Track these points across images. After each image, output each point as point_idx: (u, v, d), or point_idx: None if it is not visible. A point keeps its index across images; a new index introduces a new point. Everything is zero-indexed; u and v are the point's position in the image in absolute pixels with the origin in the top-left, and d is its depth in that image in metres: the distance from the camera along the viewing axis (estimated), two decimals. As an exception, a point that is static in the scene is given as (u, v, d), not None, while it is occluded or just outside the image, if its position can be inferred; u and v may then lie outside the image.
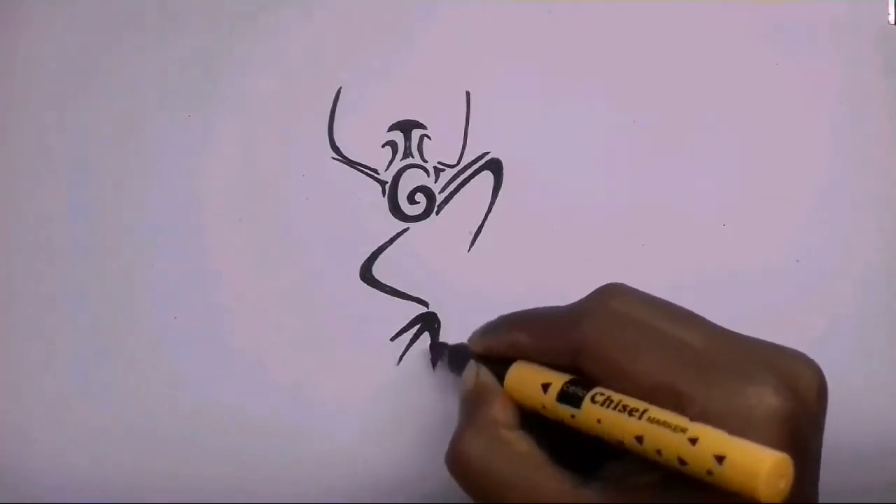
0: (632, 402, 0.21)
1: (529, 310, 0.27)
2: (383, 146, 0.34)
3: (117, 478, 0.32)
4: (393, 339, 0.33)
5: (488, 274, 0.33)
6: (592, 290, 0.28)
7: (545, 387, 0.24)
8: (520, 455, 0.23)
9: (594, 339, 0.23)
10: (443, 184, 0.34)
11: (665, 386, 0.21)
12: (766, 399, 0.20)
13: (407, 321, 0.33)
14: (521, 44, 0.35)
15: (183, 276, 0.33)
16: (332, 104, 0.34)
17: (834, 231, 0.33)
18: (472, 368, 0.27)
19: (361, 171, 0.34)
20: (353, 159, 0.34)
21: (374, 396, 0.32)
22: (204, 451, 0.32)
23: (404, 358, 0.32)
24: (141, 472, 0.32)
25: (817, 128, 0.34)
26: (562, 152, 0.34)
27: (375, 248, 0.33)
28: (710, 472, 0.19)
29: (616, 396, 0.22)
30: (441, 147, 0.34)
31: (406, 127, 0.34)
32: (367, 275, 0.33)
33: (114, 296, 0.33)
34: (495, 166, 0.34)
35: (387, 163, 0.34)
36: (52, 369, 0.33)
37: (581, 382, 0.23)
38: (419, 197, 0.34)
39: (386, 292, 0.33)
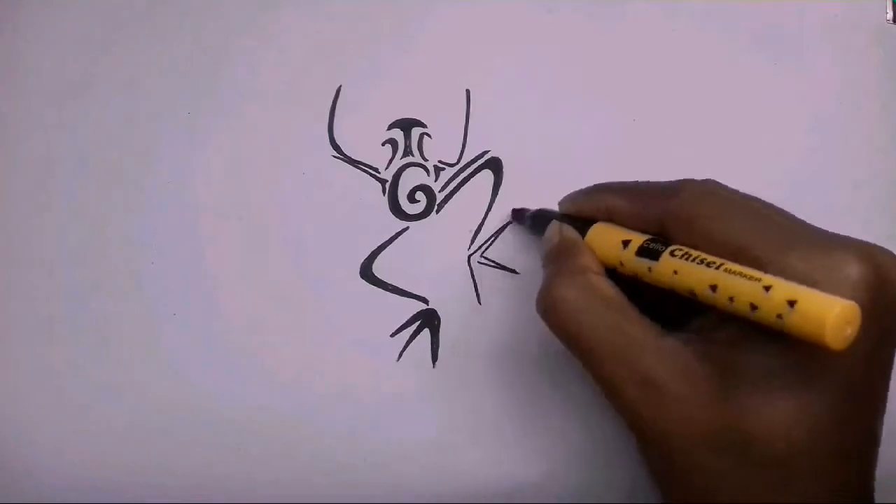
0: (709, 257, 0.22)
1: (623, 181, 0.28)
2: (383, 144, 0.34)
3: (117, 477, 0.32)
4: (393, 335, 0.33)
5: (488, 273, 0.33)
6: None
7: (625, 244, 0.25)
8: (610, 300, 0.24)
9: (686, 207, 0.24)
10: (443, 182, 0.34)
11: (747, 249, 0.22)
12: (847, 264, 0.21)
13: (407, 318, 0.33)
14: (522, 43, 0.35)
15: (183, 274, 0.33)
16: (332, 102, 0.34)
17: (833, 231, 0.33)
18: (556, 226, 0.28)
19: (361, 170, 0.34)
20: (354, 158, 0.34)
21: (374, 392, 0.32)
22: (204, 449, 0.32)
23: (404, 354, 0.33)
24: (141, 470, 0.32)
25: (816, 126, 0.34)
26: (562, 151, 0.34)
27: (376, 246, 0.33)
28: (780, 317, 0.20)
29: (694, 252, 0.23)
30: (441, 146, 0.34)
31: (406, 125, 0.34)
32: (367, 273, 0.33)
33: (114, 293, 0.33)
34: (495, 165, 0.34)
35: (387, 161, 0.34)
36: (51, 368, 0.33)
37: (661, 241, 0.24)
38: (419, 195, 0.34)
39: (386, 290, 0.33)
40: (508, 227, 0.33)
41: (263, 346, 0.33)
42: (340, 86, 0.34)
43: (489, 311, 0.33)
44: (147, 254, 0.33)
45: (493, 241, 0.33)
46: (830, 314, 0.19)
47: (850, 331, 0.19)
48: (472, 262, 0.33)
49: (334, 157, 0.34)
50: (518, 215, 0.33)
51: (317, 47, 0.34)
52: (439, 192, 0.34)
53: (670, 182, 0.25)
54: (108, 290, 0.33)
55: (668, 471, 0.24)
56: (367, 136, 0.34)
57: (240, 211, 0.33)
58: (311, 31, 0.35)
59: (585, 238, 0.27)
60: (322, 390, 0.32)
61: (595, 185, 0.28)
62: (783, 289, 0.20)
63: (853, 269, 0.21)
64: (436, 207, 0.34)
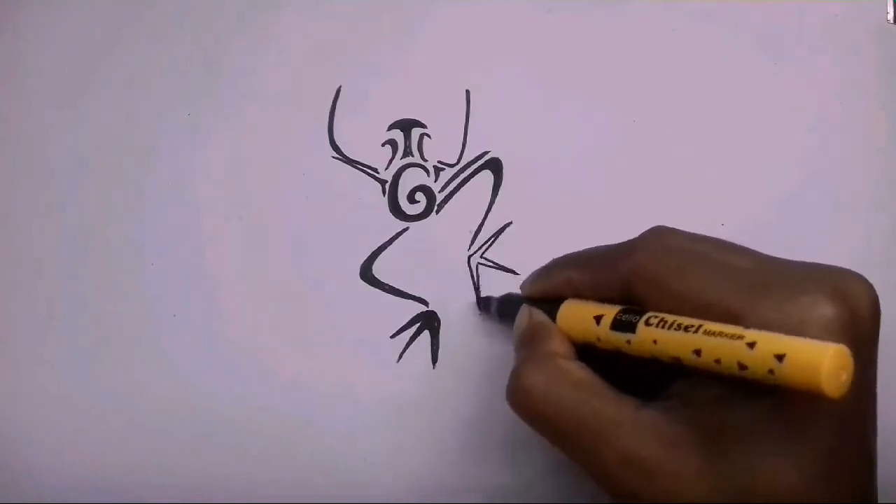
0: (685, 321, 0.21)
1: (580, 250, 0.27)
2: (383, 145, 0.34)
3: (117, 477, 0.32)
4: (393, 336, 0.33)
5: (488, 274, 0.33)
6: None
7: (598, 319, 0.24)
8: (580, 382, 0.24)
9: (646, 266, 0.23)
10: (443, 183, 0.34)
11: (717, 304, 0.21)
12: (819, 307, 0.21)
13: (407, 320, 0.33)
14: (521, 43, 0.35)
15: (182, 275, 0.33)
16: (332, 103, 0.34)
17: (832, 231, 0.33)
18: (525, 311, 0.28)
19: (361, 170, 0.34)
20: (353, 158, 0.34)
21: (374, 393, 0.32)
22: (204, 449, 0.32)
23: (404, 355, 0.33)
24: (141, 470, 0.32)
25: (816, 126, 0.34)
26: (561, 151, 0.34)
27: (376, 247, 0.33)
28: (771, 372, 0.19)
29: (669, 317, 0.22)
30: (441, 146, 0.34)
31: (406, 126, 0.34)
32: (367, 274, 0.33)
33: (113, 294, 0.33)
34: (495, 165, 0.34)
35: (387, 162, 0.34)
36: (51, 368, 0.33)
37: (633, 310, 0.23)
38: (419, 196, 0.34)
39: (386, 291, 0.33)
40: (508, 227, 0.33)
41: (263, 346, 0.33)
42: (340, 86, 0.34)
43: (489, 313, 0.33)
44: (147, 254, 0.33)
45: (493, 242, 0.33)
46: (824, 362, 0.18)
47: (846, 376, 0.19)
48: (472, 262, 0.33)
49: (334, 157, 0.34)
50: (484, 304, 0.32)
51: (317, 47, 0.34)
52: (439, 192, 0.34)
53: (625, 244, 0.25)
54: (108, 291, 0.33)
55: None
56: (366, 136, 0.34)
57: (240, 211, 0.33)
58: (311, 31, 0.34)
59: (557, 317, 0.26)
60: (322, 391, 0.32)
61: (552, 261, 0.28)
62: (768, 343, 0.19)
63: (826, 311, 0.21)
64: (436, 208, 0.34)
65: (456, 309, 0.33)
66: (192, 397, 0.32)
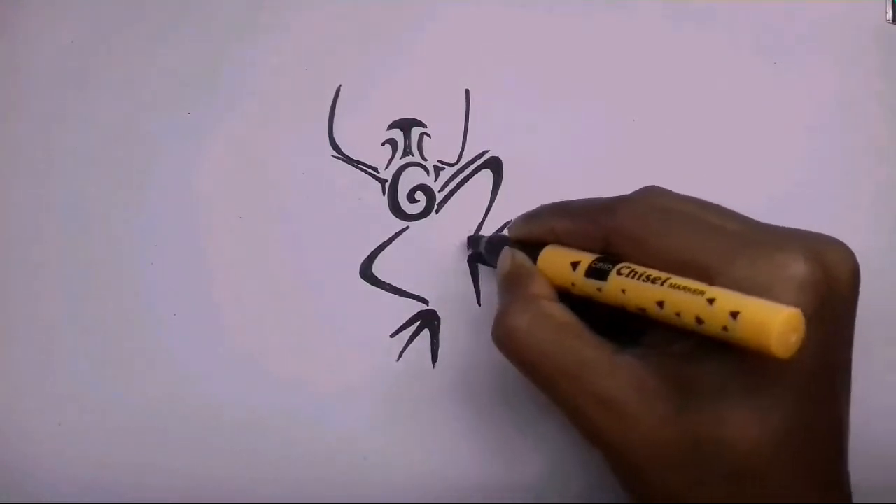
0: (654, 273, 0.22)
1: (568, 200, 0.28)
2: (383, 144, 0.34)
3: (117, 477, 0.32)
4: (393, 335, 0.33)
5: (488, 273, 0.33)
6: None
7: (574, 265, 0.25)
8: (562, 325, 0.24)
9: (627, 225, 0.24)
10: (443, 182, 0.34)
11: (693, 262, 0.22)
12: (792, 265, 0.21)
13: (407, 318, 0.33)
14: (521, 43, 0.35)
15: (182, 274, 0.33)
16: (331, 102, 0.34)
17: (832, 231, 0.33)
18: (508, 252, 0.28)
19: (361, 170, 0.34)
20: (353, 157, 0.34)
21: (374, 392, 0.32)
22: (204, 449, 0.32)
23: (404, 354, 0.33)
24: (141, 470, 0.32)
25: (815, 126, 0.34)
26: (561, 151, 0.34)
27: (375, 246, 0.33)
28: (725, 329, 0.20)
29: (640, 269, 0.23)
30: (441, 145, 0.34)
31: (406, 125, 0.34)
32: (367, 273, 0.33)
33: (113, 293, 0.33)
34: (495, 165, 0.34)
35: (387, 161, 0.34)
36: (51, 368, 0.33)
37: (609, 260, 0.24)
38: (419, 195, 0.34)
39: (386, 290, 0.33)
40: (508, 227, 0.33)
41: (263, 346, 0.33)
42: (340, 86, 0.34)
43: (489, 312, 0.33)
44: (147, 253, 0.33)
45: None
46: (774, 324, 0.19)
47: (795, 338, 0.19)
48: (471, 262, 0.33)
49: (334, 156, 0.34)
50: (474, 241, 0.33)
51: (317, 47, 0.34)
52: (439, 191, 0.34)
53: (612, 199, 0.25)
54: (108, 290, 0.33)
55: (637, 485, 0.23)
56: (366, 135, 0.34)
57: (240, 210, 0.33)
58: (311, 31, 0.35)
59: (537, 262, 0.27)
60: (322, 390, 0.32)
61: (540, 207, 0.29)
62: (726, 300, 0.20)
63: (799, 269, 0.21)
64: (435, 207, 0.34)
65: (456, 308, 0.33)
66: (192, 396, 0.32)
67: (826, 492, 0.23)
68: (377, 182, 0.34)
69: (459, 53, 0.34)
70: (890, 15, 0.35)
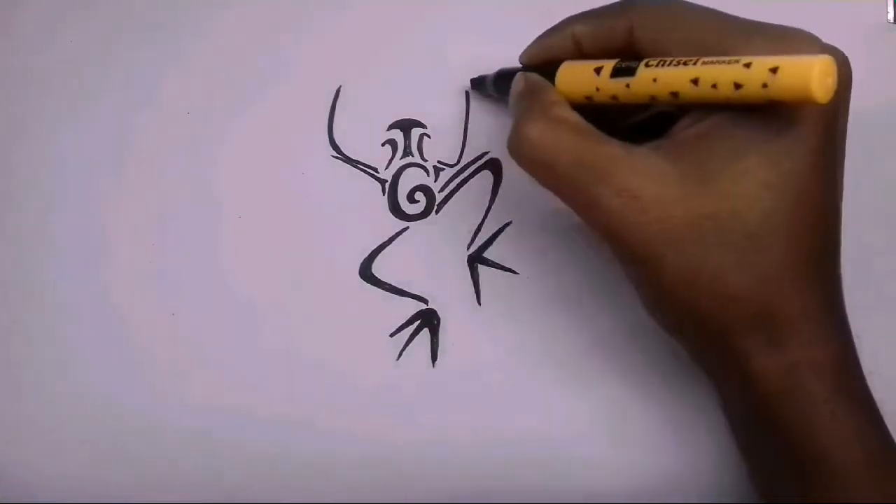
0: (684, 59, 0.23)
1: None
2: (383, 145, 0.34)
3: (117, 477, 0.32)
4: (393, 335, 0.33)
5: (488, 273, 0.33)
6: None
7: (598, 71, 0.25)
8: (577, 126, 0.25)
9: (649, 13, 0.25)
10: (442, 182, 0.34)
11: (715, 44, 0.23)
12: (807, 41, 0.23)
13: (407, 318, 0.33)
14: (522, 43, 0.34)
15: (182, 273, 0.33)
16: (332, 102, 0.34)
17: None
18: (520, 76, 0.28)
19: (361, 170, 0.34)
20: (353, 157, 0.34)
21: (373, 391, 0.32)
22: (203, 449, 0.32)
23: (404, 354, 0.33)
24: (141, 470, 0.32)
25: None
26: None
27: (375, 246, 0.33)
28: (765, 86, 0.21)
29: (669, 59, 0.23)
30: (441, 146, 0.34)
31: (406, 126, 0.34)
32: (367, 273, 0.33)
33: (112, 293, 0.33)
34: (495, 166, 0.34)
35: (387, 161, 0.34)
36: (50, 368, 0.33)
37: (632, 60, 0.25)
38: (419, 196, 0.34)
39: (386, 290, 0.33)
40: (508, 226, 0.33)
41: (263, 345, 0.33)
42: (340, 86, 0.34)
43: (489, 311, 0.33)
44: (146, 253, 0.33)
45: (492, 242, 0.33)
46: (813, 68, 0.20)
47: (831, 81, 0.21)
48: (471, 262, 0.33)
49: (334, 157, 0.34)
50: (478, 83, 0.33)
51: (317, 47, 0.34)
52: (439, 192, 0.34)
53: None
54: (107, 290, 0.33)
55: (650, 270, 0.25)
56: (366, 136, 0.34)
57: (239, 210, 0.33)
58: (312, 31, 0.35)
59: (556, 78, 0.27)
60: (322, 390, 0.32)
61: (555, 24, 0.29)
62: (764, 61, 0.21)
63: (814, 45, 0.23)
64: (435, 207, 0.34)
65: (456, 307, 0.33)
66: (191, 396, 0.32)
67: (822, 260, 0.25)
68: (377, 182, 0.34)
69: (459, 54, 0.34)
70: (890, 15, 0.35)
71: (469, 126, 0.34)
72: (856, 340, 0.26)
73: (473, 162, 0.34)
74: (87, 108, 0.34)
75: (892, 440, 0.26)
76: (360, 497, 0.32)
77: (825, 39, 0.34)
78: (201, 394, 0.32)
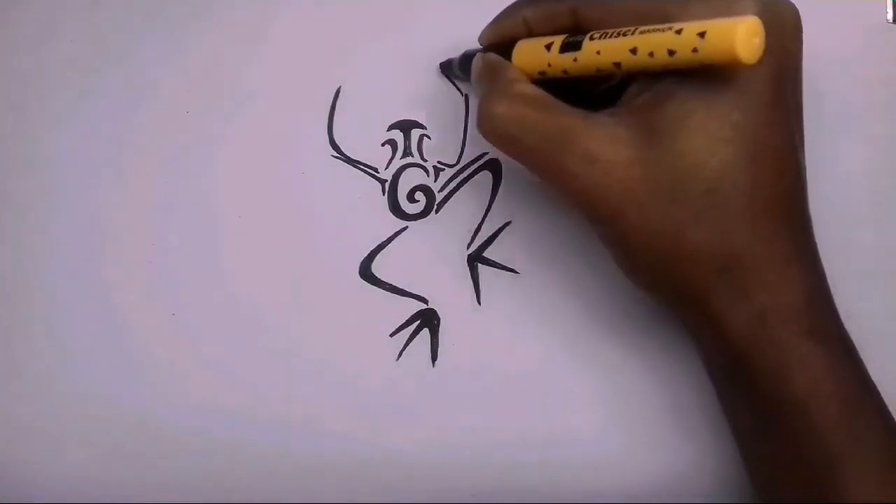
0: (624, 29, 0.24)
1: None
2: (383, 145, 0.34)
3: (117, 477, 0.32)
4: (393, 335, 0.33)
5: (488, 273, 0.33)
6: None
7: (548, 47, 0.27)
8: (538, 100, 0.26)
9: None
10: (442, 183, 0.34)
11: (654, 12, 0.24)
12: (746, 5, 0.23)
13: (406, 318, 0.33)
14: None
15: (181, 273, 0.33)
16: (331, 102, 0.34)
17: (831, 231, 0.33)
18: (479, 56, 0.30)
19: (361, 170, 0.34)
20: (353, 157, 0.34)
21: (373, 391, 0.32)
22: (203, 449, 0.32)
23: (404, 354, 0.33)
24: (141, 470, 0.32)
25: (815, 126, 0.34)
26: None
27: (375, 246, 0.33)
28: (695, 51, 0.22)
29: (610, 31, 0.25)
30: (440, 147, 0.34)
31: (405, 126, 0.34)
32: (366, 272, 0.33)
33: (112, 293, 0.33)
34: (494, 166, 0.34)
35: (386, 161, 0.34)
36: (50, 368, 0.33)
37: (579, 35, 0.26)
38: (419, 195, 0.34)
39: (386, 290, 0.33)
40: (508, 226, 0.33)
41: (262, 345, 0.33)
42: (340, 86, 0.34)
43: (489, 311, 0.33)
44: (146, 253, 0.33)
45: (492, 241, 0.33)
46: (737, 31, 0.21)
47: (758, 41, 0.22)
48: (471, 262, 0.33)
49: (334, 157, 0.34)
50: (446, 67, 0.34)
51: (317, 47, 0.34)
52: (439, 192, 0.34)
53: None
54: (106, 290, 0.33)
55: (617, 228, 0.26)
56: (366, 136, 0.34)
57: (239, 210, 0.33)
58: (311, 31, 0.35)
59: (513, 57, 0.28)
60: (322, 390, 0.32)
61: (505, 8, 0.30)
62: (692, 26, 0.22)
63: (750, 6, 0.23)
64: (435, 207, 0.34)
65: (455, 307, 0.33)
66: (191, 395, 0.32)
67: (788, 225, 0.25)
68: (377, 182, 0.34)
69: (460, 54, 0.34)
70: (890, 15, 0.35)
71: (469, 126, 0.34)
72: (845, 317, 0.26)
73: (473, 162, 0.34)
74: (87, 108, 0.34)
75: (867, 377, 0.26)
76: (360, 497, 0.32)
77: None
78: (201, 394, 0.32)
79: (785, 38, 0.25)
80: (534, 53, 0.27)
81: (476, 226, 0.33)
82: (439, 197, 0.34)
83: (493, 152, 0.34)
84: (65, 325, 0.33)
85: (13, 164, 0.34)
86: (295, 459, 0.32)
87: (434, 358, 0.33)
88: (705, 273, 0.25)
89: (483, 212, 0.33)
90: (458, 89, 0.34)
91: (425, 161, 0.34)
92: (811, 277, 0.26)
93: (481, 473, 0.32)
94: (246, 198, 0.34)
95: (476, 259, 0.33)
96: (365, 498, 0.32)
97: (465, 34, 0.34)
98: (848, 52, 0.35)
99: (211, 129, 0.34)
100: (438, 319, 0.33)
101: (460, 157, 0.34)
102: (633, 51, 0.24)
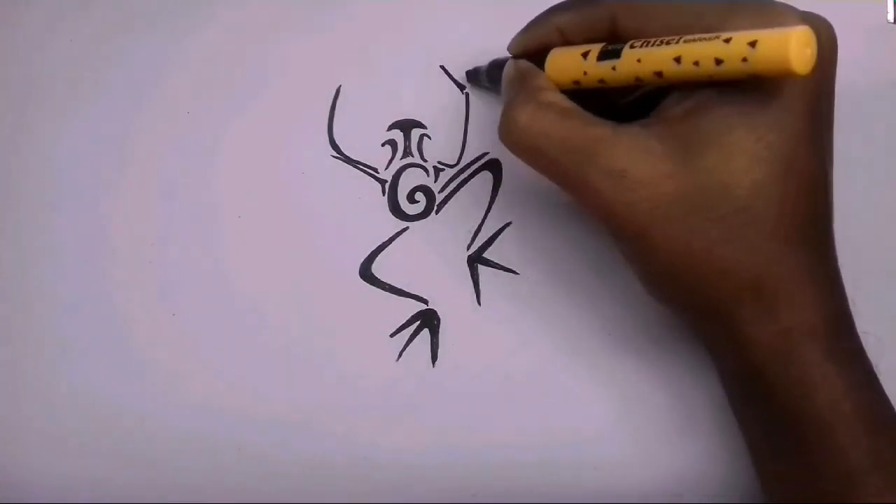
0: (666, 38, 0.23)
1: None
2: (383, 145, 0.34)
3: (117, 477, 0.32)
4: (393, 335, 0.33)
5: (488, 273, 0.33)
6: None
7: (585, 55, 0.26)
8: (564, 110, 0.26)
9: (628, 2, 0.25)
10: (442, 183, 0.34)
11: (696, 23, 0.24)
12: (787, 16, 0.23)
13: (407, 318, 0.33)
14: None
15: (182, 274, 0.33)
16: (331, 102, 0.34)
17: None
18: (511, 62, 0.29)
19: (361, 170, 0.34)
20: (353, 158, 0.34)
21: (373, 392, 0.32)
22: (203, 449, 0.32)
23: (404, 354, 0.33)
24: (141, 470, 0.32)
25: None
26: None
27: (375, 246, 0.33)
28: (745, 60, 0.21)
29: (652, 39, 0.24)
30: (441, 147, 0.34)
31: (406, 126, 0.34)
32: (367, 273, 0.33)
33: (112, 293, 0.33)
34: (495, 166, 0.34)
35: (387, 162, 0.34)
36: (50, 368, 0.33)
37: (617, 43, 0.25)
38: (419, 196, 0.34)
39: (386, 290, 0.33)
40: (508, 227, 0.33)
41: (262, 345, 0.33)
42: (340, 86, 0.34)
43: (489, 312, 0.33)
44: (146, 253, 0.33)
45: (492, 242, 0.33)
46: (791, 40, 0.20)
47: (810, 51, 0.21)
48: (471, 262, 0.33)
49: (334, 157, 0.34)
50: (473, 75, 0.33)
51: (317, 47, 0.34)
52: (439, 192, 0.34)
53: None
54: (106, 290, 0.33)
55: (641, 246, 0.25)
56: (366, 136, 0.34)
57: (239, 210, 0.33)
58: (312, 31, 0.35)
59: (546, 64, 0.27)
60: (322, 390, 0.32)
61: (539, 14, 0.29)
62: (742, 36, 0.21)
63: (793, 19, 0.23)
64: (435, 208, 0.34)
65: (456, 308, 0.33)
66: (191, 396, 0.32)
67: (815, 245, 0.25)
68: (377, 182, 0.34)
69: (459, 55, 0.34)
70: (890, 15, 0.35)
71: (469, 126, 0.34)
72: (850, 304, 0.26)
73: (473, 162, 0.34)
74: (87, 108, 0.34)
75: (885, 398, 0.26)
76: (360, 497, 0.32)
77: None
78: (201, 394, 0.32)
79: (823, 55, 0.24)
80: (569, 61, 0.27)
81: (476, 226, 0.33)
82: (439, 197, 0.34)
83: (501, 154, 0.34)
84: (65, 325, 0.33)
85: (13, 164, 0.34)
86: (295, 459, 0.32)
87: (434, 358, 0.33)
88: (733, 290, 0.25)
89: (483, 212, 0.33)
90: (459, 88, 0.34)
91: (425, 161, 0.34)
92: (835, 297, 0.26)
93: (481, 473, 0.32)
94: (246, 198, 0.34)
95: (476, 260, 0.33)
96: (365, 498, 0.32)
97: (466, 33, 0.34)
98: (848, 53, 0.34)
99: (211, 130, 0.34)
100: (438, 320, 0.33)
101: (460, 157, 0.34)
102: (678, 59, 0.23)
